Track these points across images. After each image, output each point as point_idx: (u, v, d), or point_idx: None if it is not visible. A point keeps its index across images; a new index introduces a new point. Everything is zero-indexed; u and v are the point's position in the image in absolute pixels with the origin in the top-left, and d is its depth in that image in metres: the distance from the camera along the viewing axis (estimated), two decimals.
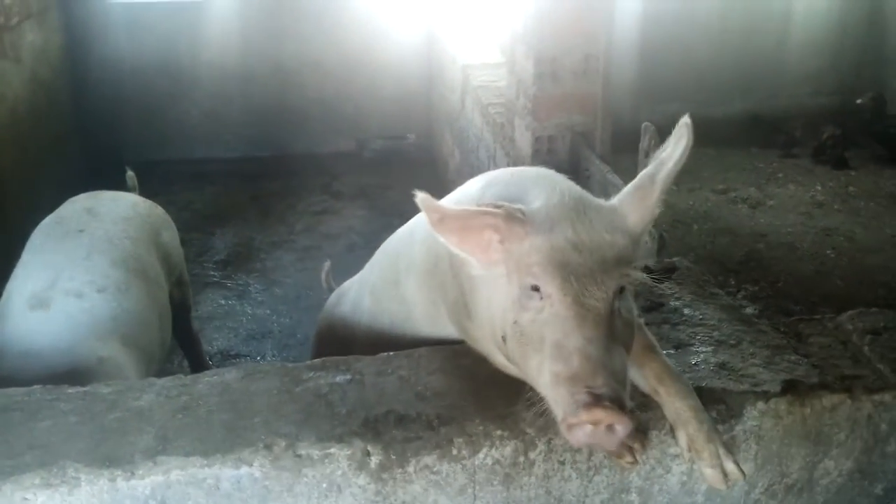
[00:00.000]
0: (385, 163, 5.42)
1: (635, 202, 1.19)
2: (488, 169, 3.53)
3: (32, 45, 4.38)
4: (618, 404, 1.04)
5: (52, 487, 1.20)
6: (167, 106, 5.27)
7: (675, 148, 1.19)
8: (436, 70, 5.15)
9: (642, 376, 1.32)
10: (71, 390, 1.39)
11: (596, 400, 1.03)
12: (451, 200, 1.43)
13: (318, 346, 2.03)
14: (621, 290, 1.15)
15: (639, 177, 1.22)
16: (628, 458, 1.31)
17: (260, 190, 5.01)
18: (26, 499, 1.20)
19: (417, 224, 1.56)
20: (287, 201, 4.87)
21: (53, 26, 4.73)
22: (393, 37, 5.29)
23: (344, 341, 1.81)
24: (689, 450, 1.29)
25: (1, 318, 1.85)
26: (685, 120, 1.19)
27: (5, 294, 1.92)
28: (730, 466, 1.26)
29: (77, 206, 2.24)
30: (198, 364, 2.77)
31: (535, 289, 1.13)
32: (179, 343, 2.72)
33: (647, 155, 2.00)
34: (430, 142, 5.46)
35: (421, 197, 1.13)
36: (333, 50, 5.29)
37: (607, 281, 1.12)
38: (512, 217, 1.14)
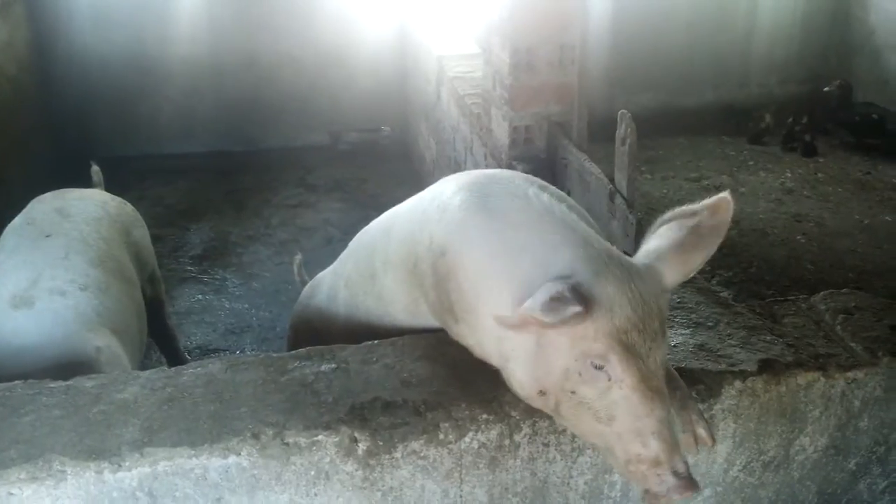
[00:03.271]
0: (360, 155, 5.41)
1: (676, 263, 1.19)
2: (465, 160, 3.54)
3: None
4: (689, 475, 1.12)
5: (38, 481, 1.19)
6: (137, 100, 5.19)
7: (712, 217, 1.21)
8: (410, 62, 5.14)
9: None
10: (53, 384, 1.38)
11: (683, 481, 1.12)
12: (421, 205, 1.42)
13: (294, 339, 2.01)
14: None
15: (675, 232, 1.20)
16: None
17: (234, 184, 4.97)
18: (12, 493, 1.19)
19: (395, 221, 1.54)
20: (262, 195, 4.84)
21: (18, 20, 4.64)
22: (367, 29, 5.26)
23: (320, 332, 1.81)
24: None
25: None
26: (726, 196, 1.22)
27: None
28: (700, 431, 1.30)
29: (46, 206, 2.21)
30: (175, 359, 2.75)
31: (600, 367, 1.13)
32: (155, 339, 2.70)
33: (624, 143, 2.03)
34: (406, 134, 5.45)
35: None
36: (307, 43, 5.25)
37: (660, 354, 1.15)
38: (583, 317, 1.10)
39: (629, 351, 1.11)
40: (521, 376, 1.22)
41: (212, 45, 5.19)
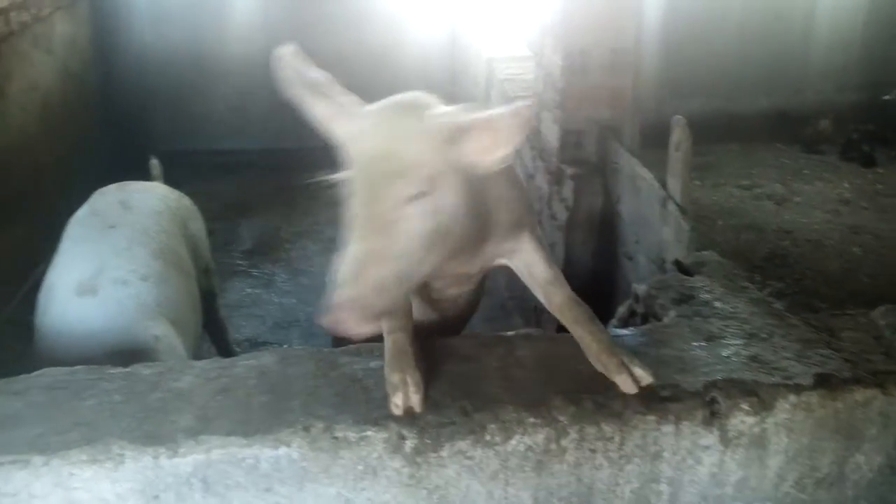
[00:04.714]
0: None
1: (471, 140, 1.18)
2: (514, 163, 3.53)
3: (63, 36, 4.44)
4: (344, 307, 1.11)
5: (98, 463, 1.24)
6: (193, 97, 5.32)
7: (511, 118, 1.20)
8: (460, 64, 5.16)
9: (549, 308, 1.45)
10: (113, 370, 1.43)
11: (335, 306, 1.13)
12: None
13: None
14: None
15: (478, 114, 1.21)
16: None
17: (284, 181, 5.03)
18: (73, 474, 1.24)
19: None
20: (311, 193, 4.90)
21: (83, 18, 4.79)
22: (417, 31, 5.29)
23: None
24: (600, 365, 1.38)
25: (45, 304, 1.91)
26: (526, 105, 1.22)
27: (47, 283, 1.98)
28: (637, 371, 1.35)
29: (110, 198, 2.29)
30: (225, 350, 2.81)
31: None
32: (207, 330, 2.76)
33: (678, 148, 2.00)
34: None
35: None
36: (358, 43, 5.30)
37: (392, 194, 1.17)
38: None
39: (362, 179, 1.15)
40: None
41: (265, 44, 5.18)
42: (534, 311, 3.10)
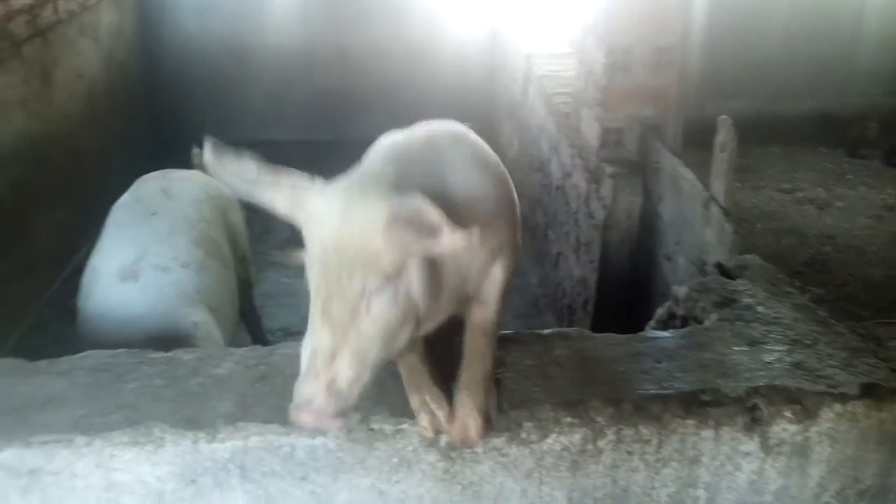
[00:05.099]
0: None
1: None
2: (549, 159, 3.51)
3: (109, 25, 4.52)
4: (306, 406, 1.06)
5: (139, 446, 1.26)
6: (232, 87, 5.37)
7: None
8: (499, 59, 5.13)
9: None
10: (155, 355, 1.45)
11: (299, 405, 1.08)
12: None
13: None
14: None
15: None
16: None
17: (320, 173, 5.01)
18: (114, 455, 1.26)
19: None
20: None
21: (128, 7, 4.88)
22: (456, 26, 5.28)
23: None
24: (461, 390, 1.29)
25: (89, 288, 1.95)
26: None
27: (90, 267, 2.03)
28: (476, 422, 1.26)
29: (152, 185, 2.32)
30: (259, 339, 2.85)
31: None
32: (243, 319, 2.79)
33: (723, 150, 1.97)
34: (489, 131, 5.45)
35: None
36: (396, 38, 5.31)
37: (354, 286, 1.06)
38: None
39: (321, 267, 1.05)
40: None
41: (304, 36, 5.32)
42: (567, 309, 3.08)
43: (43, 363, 1.44)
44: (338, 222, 1.05)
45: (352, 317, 1.04)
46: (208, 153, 1.15)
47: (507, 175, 1.40)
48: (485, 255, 1.25)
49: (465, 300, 1.31)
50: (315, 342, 1.06)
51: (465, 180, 1.22)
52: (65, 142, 3.79)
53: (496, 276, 1.33)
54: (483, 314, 1.34)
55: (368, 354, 1.06)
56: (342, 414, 1.06)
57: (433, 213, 1.01)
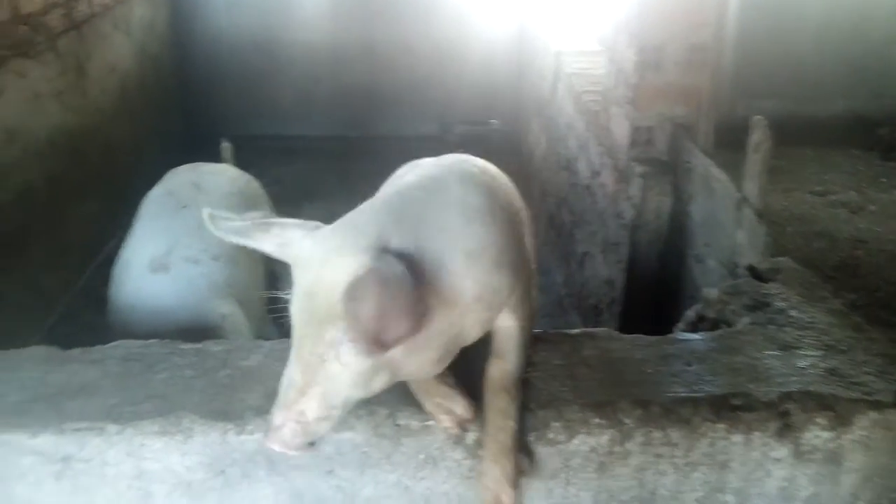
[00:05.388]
0: (469, 148, 5.38)
1: None
2: (577, 157, 3.48)
3: (142, 19, 4.58)
4: (274, 433, 1.09)
5: (169, 435, 1.27)
6: (261, 82, 5.42)
7: None
8: (527, 57, 5.11)
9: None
10: (185, 346, 1.46)
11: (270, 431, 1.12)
12: None
13: None
14: None
15: None
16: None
17: (347, 168, 5.10)
18: (144, 444, 1.28)
19: None
20: (372, 180, 4.86)
21: (161, 1, 4.94)
22: (484, 23, 5.27)
23: None
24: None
25: (120, 278, 1.98)
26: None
27: (122, 258, 2.05)
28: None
29: (183, 178, 2.35)
30: (286, 332, 2.86)
31: None
32: (269, 311, 2.81)
33: (757, 150, 1.94)
34: (516, 129, 5.43)
35: None
36: (424, 34, 5.32)
37: (326, 335, 1.07)
38: None
39: (298, 308, 1.08)
40: None
41: (333, 32, 5.35)
42: (592, 310, 3.06)
43: (76, 351, 1.46)
44: (314, 271, 1.06)
45: (320, 360, 1.05)
46: (205, 214, 1.19)
47: (521, 215, 1.34)
48: (480, 310, 1.16)
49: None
50: (288, 375, 1.09)
51: (459, 236, 1.14)
52: (98, 134, 3.85)
53: (509, 327, 1.27)
54: (502, 368, 1.28)
55: (336, 396, 1.07)
56: (309, 445, 1.09)
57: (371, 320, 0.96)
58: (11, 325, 2.84)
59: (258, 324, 2.16)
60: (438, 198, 1.20)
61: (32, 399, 1.32)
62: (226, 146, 2.83)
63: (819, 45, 5.15)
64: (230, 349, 1.46)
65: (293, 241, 1.12)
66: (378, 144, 5.35)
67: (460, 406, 1.26)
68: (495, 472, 1.23)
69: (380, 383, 1.11)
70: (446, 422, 1.26)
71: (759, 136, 1.90)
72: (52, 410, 1.30)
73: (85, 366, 1.41)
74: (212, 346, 1.47)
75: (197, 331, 1.70)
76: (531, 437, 1.30)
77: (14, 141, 3.06)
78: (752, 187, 1.99)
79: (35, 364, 1.42)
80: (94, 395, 1.33)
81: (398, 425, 1.29)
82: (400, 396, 1.31)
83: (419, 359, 1.13)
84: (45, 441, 1.27)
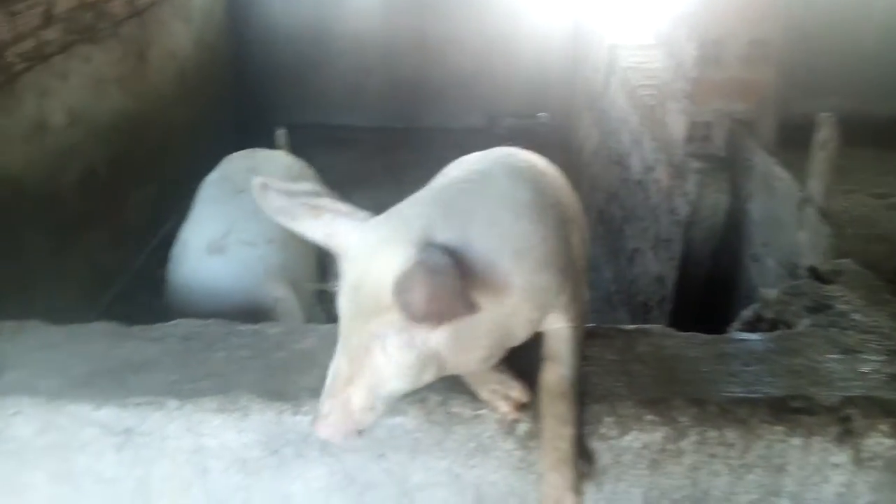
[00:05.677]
0: (517, 141, 5.36)
1: None
2: (630, 152, 3.43)
3: (201, 7, 4.67)
4: (325, 419, 1.10)
5: (227, 413, 1.30)
6: (313, 72, 5.48)
7: None
8: (581, 52, 5.05)
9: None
10: (242, 327, 1.49)
11: (318, 418, 1.13)
12: None
13: None
14: None
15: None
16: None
17: (394, 159, 5.12)
18: (202, 421, 1.31)
19: None
20: (419, 172, 4.85)
21: None
22: (536, 16, 5.23)
23: None
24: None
25: (178, 260, 2.04)
26: None
27: (181, 240, 2.11)
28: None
29: (239, 164, 2.39)
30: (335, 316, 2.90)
31: None
32: (318, 297, 2.85)
33: (823, 148, 1.88)
34: (565, 123, 5.38)
35: None
36: (475, 27, 5.30)
37: (368, 326, 1.09)
38: None
39: (347, 299, 1.08)
40: None
41: (384, 24, 5.37)
42: (642, 307, 3.02)
43: (137, 329, 1.51)
44: (362, 264, 1.07)
45: (367, 352, 1.07)
46: (257, 190, 1.18)
47: (572, 214, 1.31)
48: (528, 309, 1.15)
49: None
50: (336, 364, 1.10)
51: (507, 232, 1.12)
52: (157, 120, 3.95)
53: (561, 329, 1.24)
54: (557, 373, 1.24)
55: (382, 388, 1.08)
56: (357, 432, 1.10)
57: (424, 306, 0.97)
58: (71, 302, 2.95)
59: (308, 307, 2.19)
60: (486, 192, 1.18)
61: (97, 372, 1.37)
62: (281, 133, 2.88)
63: (882, 42, 4.97)
64: (285, 332, 1.48)
65: (341, 233, 1.12)
66: (425, 136, 5.36)
67: (517, 390, 1.26)
68: (558, 483, 1.19)
69: (426, 377, 1.11)
70: (504, 407, 1.26)
71: (826, 134, 1.85)
72: (115, 384, 1.34)
73: (146, 343, 1.46)
74: (268, 329, 1.50)
75: (251, 312, 1.74)
76: (583, 431, 1.29)
77: (77, 124, 3.16)
78: (816, 186, 1.94)
79: (100, 338, 1.46)
80: (155, 371, 1.37)
81: (450, 412, 1.30)
82: (452, 385, 1.31)
83: (466, 357, 1.13)
84: (108, 413, 1.31)
